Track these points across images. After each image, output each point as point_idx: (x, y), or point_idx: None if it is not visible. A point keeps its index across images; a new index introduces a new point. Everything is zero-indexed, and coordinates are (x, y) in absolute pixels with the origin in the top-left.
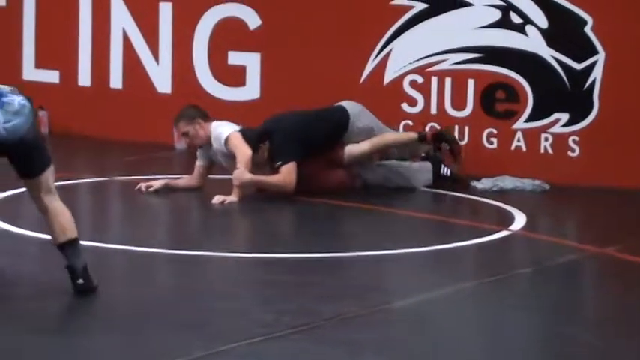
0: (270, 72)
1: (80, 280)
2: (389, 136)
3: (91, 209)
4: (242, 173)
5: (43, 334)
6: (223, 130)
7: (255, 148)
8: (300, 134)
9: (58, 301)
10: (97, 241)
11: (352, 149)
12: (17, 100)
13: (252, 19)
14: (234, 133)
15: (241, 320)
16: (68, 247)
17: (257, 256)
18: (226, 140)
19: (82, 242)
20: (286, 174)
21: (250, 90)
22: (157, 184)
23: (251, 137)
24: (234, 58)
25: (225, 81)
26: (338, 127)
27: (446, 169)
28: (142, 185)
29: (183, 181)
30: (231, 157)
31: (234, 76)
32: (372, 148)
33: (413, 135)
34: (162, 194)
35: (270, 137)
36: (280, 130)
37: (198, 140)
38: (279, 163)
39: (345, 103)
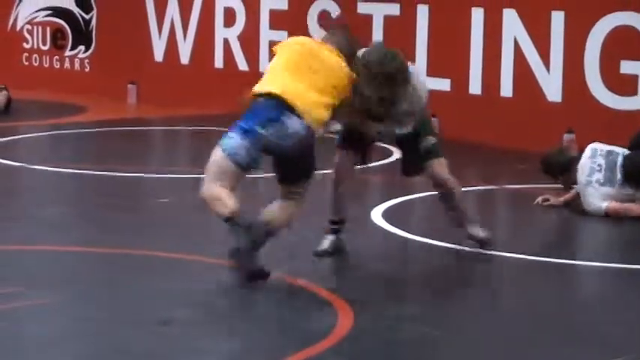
0: None
1: (250, 267)
2: None
3: (480, 217)
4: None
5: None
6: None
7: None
8: None
9: (446, 305)
10: (486, 250)
11: None
12: None
13: None
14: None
15: (632, 331)
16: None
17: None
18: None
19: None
20: None
21: None
22: (554, 200)
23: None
24: (627, 67)
25: (617, 90)
26: None
27: None
28: (540, 199)
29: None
30: None
31: (627, 85)
32: None
33: None
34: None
35: None
36: None
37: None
38: None
39: None
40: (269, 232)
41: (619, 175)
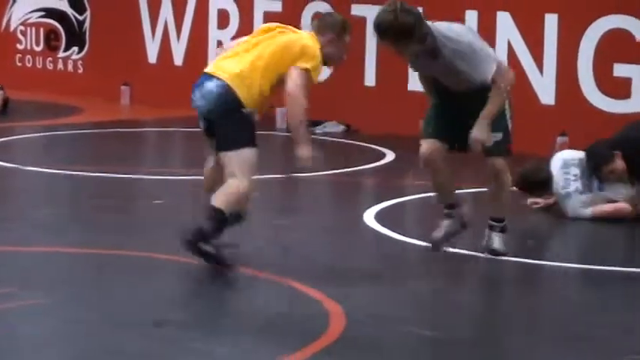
0: None
1: (189, 237)
2: None
3: (472, 219)
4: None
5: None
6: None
7: (608, 157)
8: None
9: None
10: (477, 251)
11: None
12: None
13: (638, 31)
14: None
15: (626, 334)
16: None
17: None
18: None
19: (468, 252)
20: None
21: (636, 102)
22: (543, 203)
23: (602, 147)
24: (620, 70)
25: (610, 93)
26: None
27: None
28: (529, 201)
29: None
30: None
31: (620, 89)
32: None
33: None
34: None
35: (626, 145)
36: (637, 140)
37: None
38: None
39: None
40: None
41: (595, 181)
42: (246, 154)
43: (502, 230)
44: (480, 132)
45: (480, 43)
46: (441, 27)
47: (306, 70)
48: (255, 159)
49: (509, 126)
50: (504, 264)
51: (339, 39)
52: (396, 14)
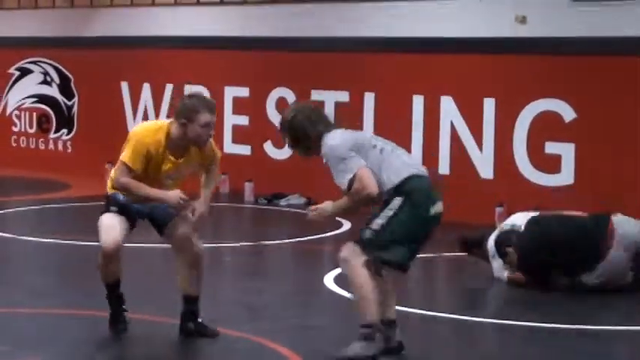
0: (583, 160)
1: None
2: None
3: (419, 282)
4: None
5: None
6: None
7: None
8: (542, 241)
9: None
10: (425, 310)
11: None
12: None
13: (567, 113)
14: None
15: None
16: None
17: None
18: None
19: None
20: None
21: (565, 176)
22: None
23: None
24: (551, 147)
25: (542, 168)
26: (584, 248)
27: None
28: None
29: None
30: None
31: (551, 164)
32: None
33: None
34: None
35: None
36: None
37: None
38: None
39: (620, 219)
40: None
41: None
42: (101, 220)
43: (365, 337)
44: None
45: (344, 155)
46: (329, 134)
47: (121, 162)
48: (107, 220)
49: (379, 227)
50: (447, 322)
51: (191, 122)
52: (287, 115)
